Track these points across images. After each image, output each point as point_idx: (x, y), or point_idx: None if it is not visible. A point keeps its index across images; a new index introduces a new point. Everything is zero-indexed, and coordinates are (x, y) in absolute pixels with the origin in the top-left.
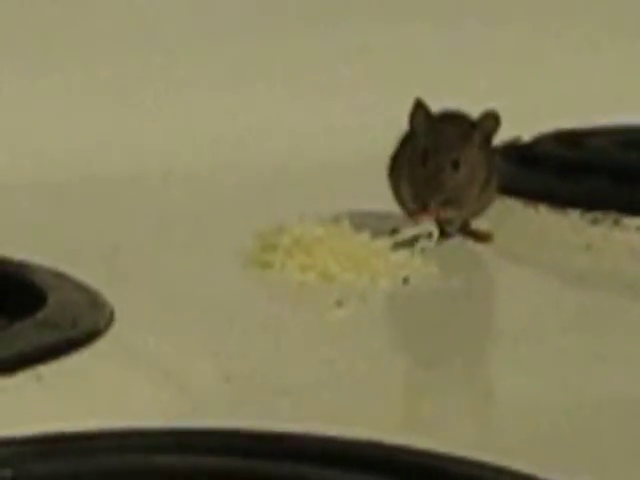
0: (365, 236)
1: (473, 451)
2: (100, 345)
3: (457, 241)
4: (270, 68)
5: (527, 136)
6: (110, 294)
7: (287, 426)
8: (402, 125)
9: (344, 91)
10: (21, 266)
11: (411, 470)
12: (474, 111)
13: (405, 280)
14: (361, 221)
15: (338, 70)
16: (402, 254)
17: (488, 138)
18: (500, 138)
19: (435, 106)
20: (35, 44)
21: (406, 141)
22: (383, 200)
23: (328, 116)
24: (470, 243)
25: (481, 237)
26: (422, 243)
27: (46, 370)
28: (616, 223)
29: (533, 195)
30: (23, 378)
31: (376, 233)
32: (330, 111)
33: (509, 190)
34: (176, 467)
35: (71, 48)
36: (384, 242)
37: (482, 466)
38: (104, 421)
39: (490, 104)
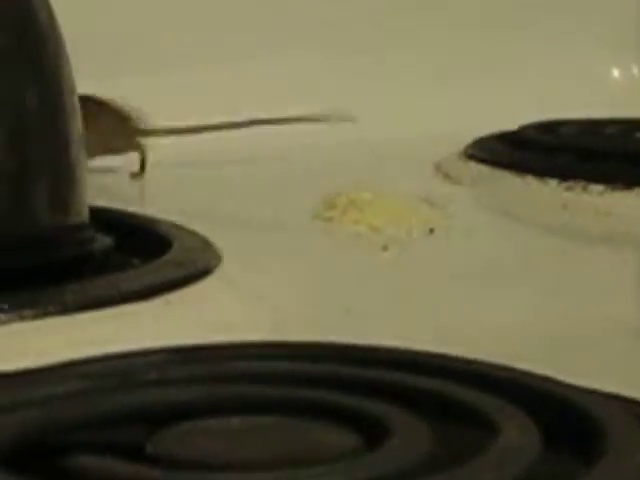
0: (401, 197)
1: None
2: (211, 279)
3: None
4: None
5: (515, 126)
6: (218, 240)
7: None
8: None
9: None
10: (150, 220)
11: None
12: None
13: (431, 230)
14: (396, 186)
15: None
16: (428, 211)
17: None
18: (497, 128)
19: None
20: None
21: None
22: (414, 170)
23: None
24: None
25: None
26: None
27: (172, 297)
28: (584, 189)
29: (521, 168)
30: (156, 303)
31: (408, 195)
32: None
33: (503, 165)
34: (282, 372)
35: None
36: (415, 202)
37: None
38: (217, 335)
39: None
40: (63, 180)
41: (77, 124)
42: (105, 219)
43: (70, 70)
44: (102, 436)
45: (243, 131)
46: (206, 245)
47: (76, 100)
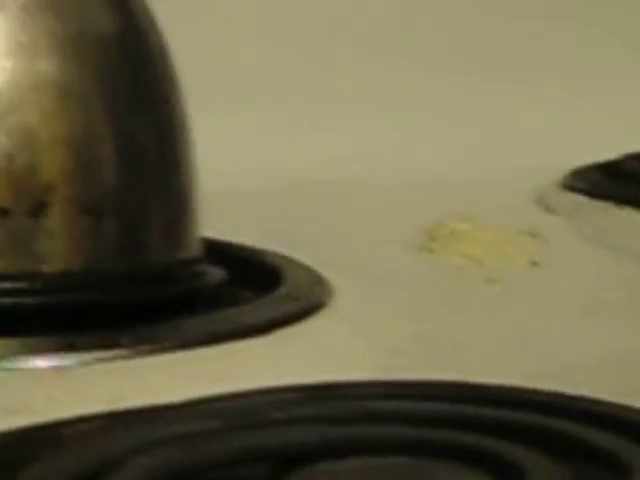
0: (501, 229)
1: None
2: (324, 314)
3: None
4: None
5: (615, 155)
6: (328, 274)
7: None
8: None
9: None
10: (260, 252)
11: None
12: None
13: (534, 263)
14: (495, 217)
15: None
16: (529, 243)
17: None
18: (597, 158)
19: None
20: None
21: None
22: (512, 200)
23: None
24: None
25: None
26: None
27: (288, 332)
28: None
29: (621, 200)
30: (272, 338)
31: (508, 226)
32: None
33: (603, 196)
34: (409, 412)
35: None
36: (515, 233)
37: None
38: (335, 372)
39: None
40: (178, 214)
41: (190, 158)
42: (214, 251)
43: (184, 103)
44: (232, 475)
45: (339, 163)
46: (318, 278)
47: (189, 134)
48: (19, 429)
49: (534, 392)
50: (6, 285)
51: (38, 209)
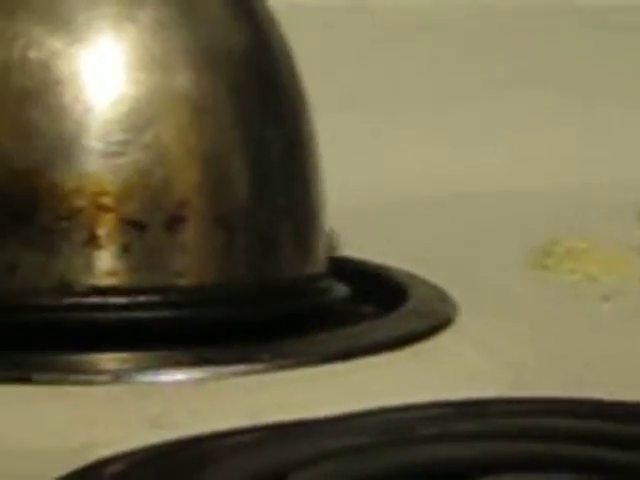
0: (614, 246)
1: None
2: (451, 330)
3: None
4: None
5: None
6: (452, 291)
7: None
8: None
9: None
10: (384, 269)
11: None
12: None
13: None
14: (607, 235)
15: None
16: None
17: None
18: None
19: None
20: None
21: None
22: (621, 217)
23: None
24: None
25: None
26: None
27: (419, 348)
28: None
29: None
30: (404, 354)
31: (622, 243)
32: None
33: None
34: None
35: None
36: (628, 250)
37: None
38: (468, 388)
39: None
40: (306, 229)
41: (318, 172)
42: (338, 267)
43: (311, 117)
44: None
45: (458, 177)
46: (443, 295)
47: (316, 148)
48: (162, 443)
49: None
50: (142, 299)
51: (173, 223)
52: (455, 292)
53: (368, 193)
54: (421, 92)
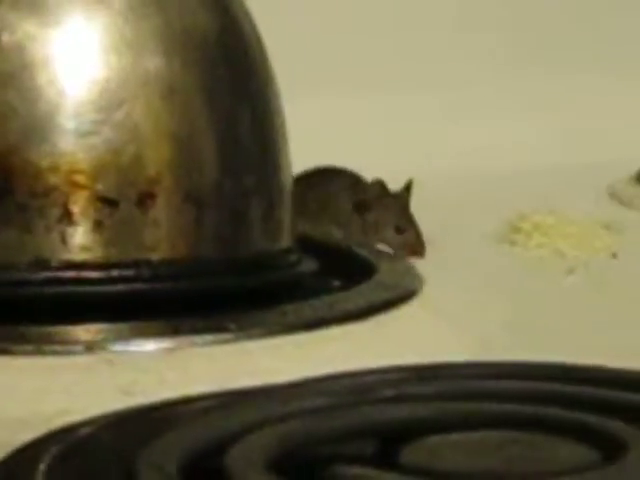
0: (582, 222)
1: None
2: (415, 302)
3: None
4: None
5: None
6: (419, 265)
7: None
8: None
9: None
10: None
11: None
12: None
13: (614, 255)
14: (573, 211)
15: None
16: (608, 235)
17: None
18: None
19: None
20: None
21: None
22: (588, 194)
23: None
24: None
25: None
26: None
27: (383, 318)
28: None
29: None
30: (369, 324)
31: (589, 219)
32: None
33: None
34: (514, 390)
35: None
36: (595, 226)
37: None
38: (430, 355)
39: None
40: (275, 204)
41: (286, 153)
42: (306, 243)
43: (280, 102)
44: (344, 450)
45: (424, 157)
46: (409, 268)
47: (284, 127)
48: (133, 408)
49: (631, 372)
50: (115, 273)
51: (144, 200)
52: (421, 266)
53: None
54: (383, 75)
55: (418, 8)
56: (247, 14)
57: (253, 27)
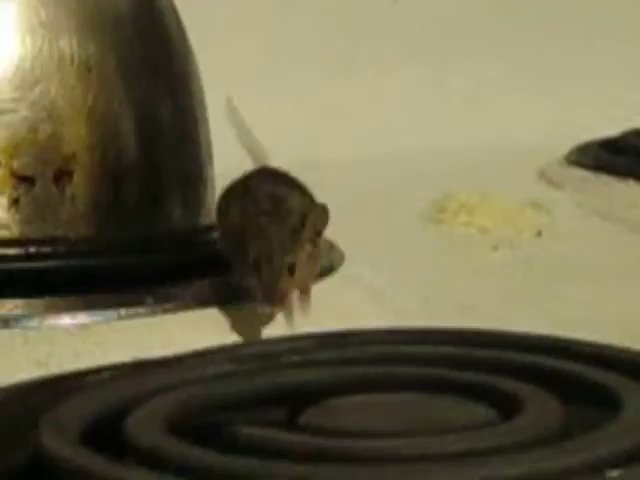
0: (508, 201)
1: None
2: (336, 277)
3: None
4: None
5: (617, 132)
6: (340, 242)
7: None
8: None
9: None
10: None
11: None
12: None
13: (538, 233)
14: (502, 190)
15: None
16: (534, 214)
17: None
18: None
19: None
20: None
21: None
22: (518, 175)
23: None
24: None
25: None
26: None
27: None
28: None
29: (623, 173)
30: None
31: (515, 198)
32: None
33: (605, 170)
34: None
35: None
36: (521, 205)
37: None
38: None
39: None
40: (194, 184)
41: (206, 131)
42: None
43: (199, 81)
44: (249, 414)
45: (350, 136)
46: (329, 244)
47: (204, 107)
48: (45, 378)
49: (534, 337)
50: (32, 249)
51: (61, 177)
52: (342, 242)
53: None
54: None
55: None
56: None
57: (171, 5)
